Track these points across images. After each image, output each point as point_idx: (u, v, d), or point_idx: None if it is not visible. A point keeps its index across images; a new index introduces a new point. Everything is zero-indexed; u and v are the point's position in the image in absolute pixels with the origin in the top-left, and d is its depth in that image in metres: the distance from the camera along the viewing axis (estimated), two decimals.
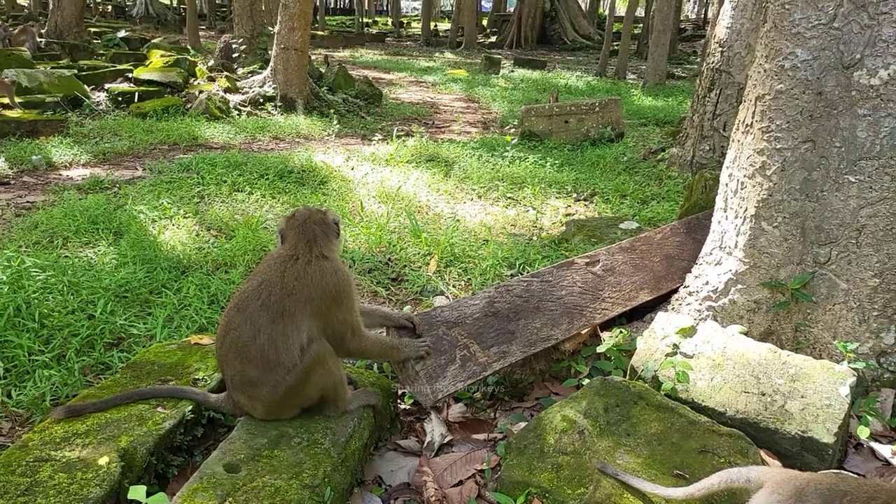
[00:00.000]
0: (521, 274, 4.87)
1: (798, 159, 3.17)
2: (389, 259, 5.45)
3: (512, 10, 41.41)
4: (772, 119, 3.24)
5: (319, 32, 31.32)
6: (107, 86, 12.33)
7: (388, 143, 9.83)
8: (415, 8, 74.53)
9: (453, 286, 4.96)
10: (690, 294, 3.72)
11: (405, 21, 52.25)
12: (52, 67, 12.55)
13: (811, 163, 3.14)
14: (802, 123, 3.14)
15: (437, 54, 30.91)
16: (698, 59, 26.48)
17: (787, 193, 3.22)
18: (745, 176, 3.40)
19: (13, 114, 9.57)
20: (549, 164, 8.72)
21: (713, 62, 7.47)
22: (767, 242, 3.32)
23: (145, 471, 2.51)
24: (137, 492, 2.10)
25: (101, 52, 17.41)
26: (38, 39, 16.10)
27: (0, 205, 6.52)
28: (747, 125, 3.40)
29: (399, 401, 3.47)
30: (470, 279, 5.04)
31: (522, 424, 3.19)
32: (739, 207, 3.44)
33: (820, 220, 3.16)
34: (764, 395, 2.90)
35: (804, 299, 3.26)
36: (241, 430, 2.69)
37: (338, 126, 11.20)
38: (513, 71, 23.39)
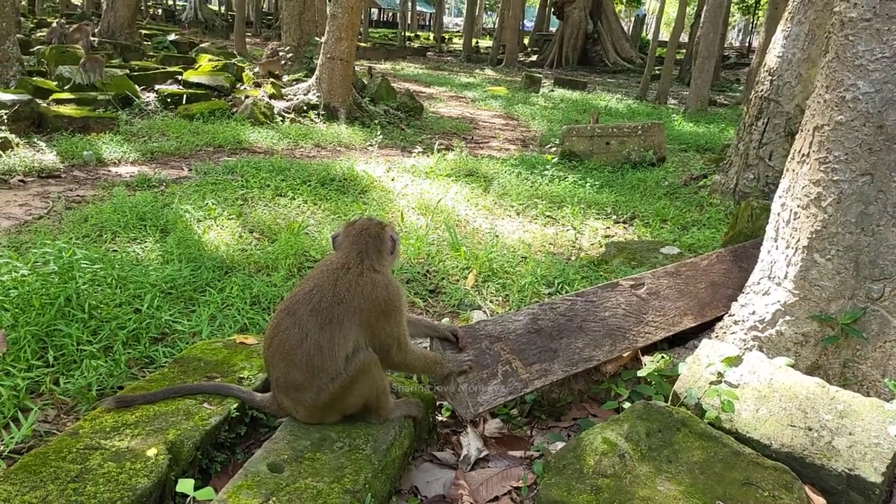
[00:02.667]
0: (560, 293, 4.86)
1: (855, 192, 3.13)
2: (428, 271, 5.47)
3: (554, 29, 41.52)
4: (829, 150, 3.20)
5: (362, 44, 31.68)
6: (156, 87, 12.60)
7: (428, 156, 9.89)
8: (457, 24, 75.12)
9: (491, 301, 4.96)
10: (736, 323, 3.67)
11: (447, 36, 52.68)
12: (105, 67, 12.85)
13: (868, 196, 3.10)
14: (861, 156, 3.10)
15: (477, 71, 31.10)
16: (741, 87, 26.29)
17: (841, 226, 3.18)
18: (798, 206, 3.36)
19: (66, 109, 9.81)
20: (588, 184, 8.70)
21: (762, 91, 7.41)
22: (819, 275, 3.28)
23: (190, 465, 2.55)
24: (185, 485, 2.13)
25: (152, 53, 17.84)
26: (92, 38, 16.51)
27: (52, 197, 6.68)
28: (804, 155, 3.36)
29: (436, 412, 3.47)
30: (508, 295, 5.04)
31: (560, 444, 3.17)
32: (791, 238, 3.40)
33: (875, 254, 3.11)
34: (811, 429, 2.85)
35: (854, 335, 3.20)
36: (285, 432, 2.71)
37: (380, 137, 11.30)
38: (553, 90, 23.42)
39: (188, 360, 3.19)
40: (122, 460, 2.39)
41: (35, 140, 8.51)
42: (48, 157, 8.05)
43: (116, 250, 5.08)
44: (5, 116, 8.42)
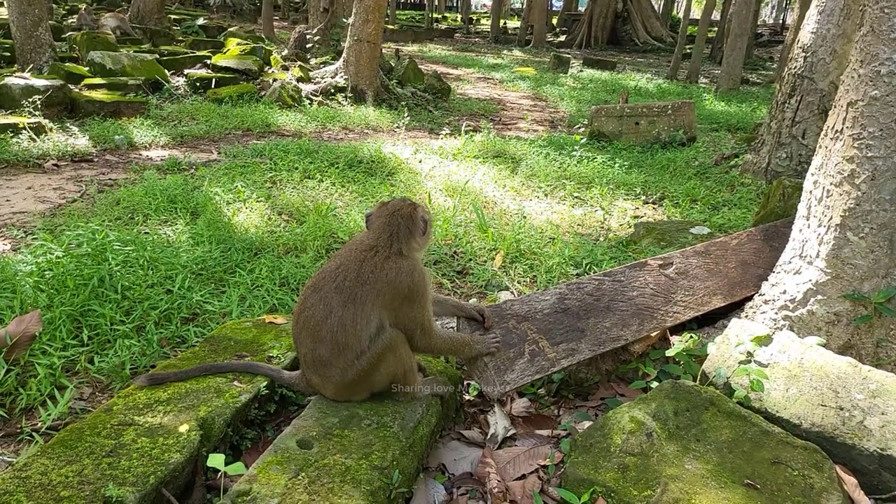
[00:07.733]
0: (588, 274, 4.83)
1: (890, 168, 3.06)
2: (455, 252, 5.47)
3: (583, 9, 40.98)
4: (864, 126, 3.13)
5: (389, 26, 31.61)
6: (186, 71, 12.70)
7: (455, 137, 9.86)
8: (484, 5, 74.50)
9: (518, 282, 4.95)
10: (766, 302, 3.62)
11: (474, 18, 52.29)
12: (135, 52, 12.99)
13: None
14: None
15: (505, 52, 30.83)
16: (775, 66, 25.77)
17: (875, 203, 3.11)
18: (831, 184, 3.29)
19: (97, 94, 9.94)
20: (617, 165, 8.62)
21: (795, 68, 7.25)
22: (852, 253, 3.22)
23: (221, 441, 2.60)
24: (216, 460, 2.17)
25: (181, 38, 17.96)
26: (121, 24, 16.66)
27: (84, 181, 6.80)
28: (837, 131, 3.29)
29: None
30: (535, 276, 5.03)
31: (587, 423, 3.17)
32: (824, 216, 3.33)
33: None
34: (842, 409, 2.81)
35: (888, 314, 3.15)
36: (314, 409, 2.75)
37: (408, 119, 11.28)
38: (581, 71, 23.18)
39: (218, 339, 3.24)
40: (155, 436, 2.44)
41: (68, 125, 8.66)
42: (81, 141, 8.18)
43: (148, 232, 5.15)
44: (39, 102, 8.57)
